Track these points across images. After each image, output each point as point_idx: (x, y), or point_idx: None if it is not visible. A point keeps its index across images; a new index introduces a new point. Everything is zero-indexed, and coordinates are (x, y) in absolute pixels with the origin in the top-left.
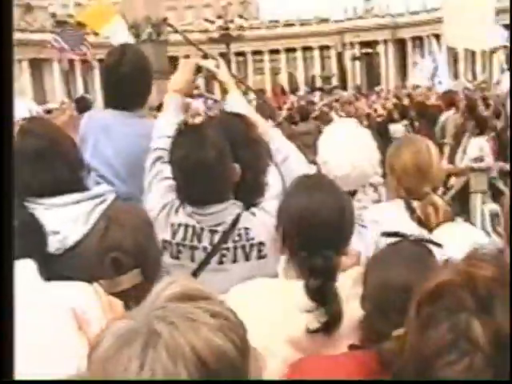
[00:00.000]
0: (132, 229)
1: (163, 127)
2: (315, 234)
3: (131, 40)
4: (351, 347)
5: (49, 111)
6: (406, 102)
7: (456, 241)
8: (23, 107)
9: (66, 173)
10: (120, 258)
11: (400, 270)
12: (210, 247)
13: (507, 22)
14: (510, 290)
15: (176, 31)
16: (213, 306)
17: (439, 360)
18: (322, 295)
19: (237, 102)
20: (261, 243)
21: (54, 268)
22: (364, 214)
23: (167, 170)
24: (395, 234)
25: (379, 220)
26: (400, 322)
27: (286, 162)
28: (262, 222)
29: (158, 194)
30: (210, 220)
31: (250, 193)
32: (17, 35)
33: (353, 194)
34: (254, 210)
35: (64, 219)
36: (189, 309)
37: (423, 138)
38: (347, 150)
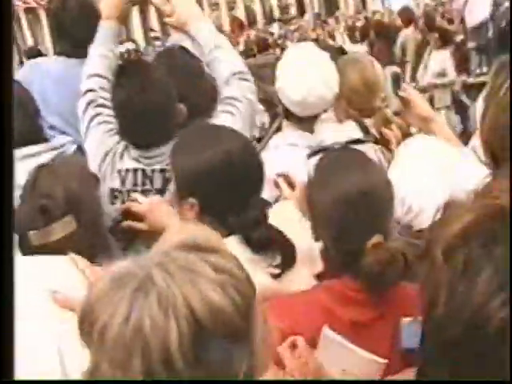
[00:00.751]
0: (63, 176)
1: (94, 64)
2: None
3: None
4: (319, 277)
5: None
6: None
7: (421, 156)
8: None
9: (26, 122)
10: (48, 204)
11: (347, 180)
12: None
13: None
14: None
15: None
16: (219, 260)
17: (493, 301)
18: (265, 241)
19: (204, 28)
20: None
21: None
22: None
23: (102, 114)
24: (319, 151)
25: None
26: (369, 231)
27: (215, 58)
28: None
29: (96, 141)
30: (158, 162)
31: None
32: None
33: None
34: None
35: (24, 173)
36: (191, 259)
37: (365, 54)
38: (303, 73)
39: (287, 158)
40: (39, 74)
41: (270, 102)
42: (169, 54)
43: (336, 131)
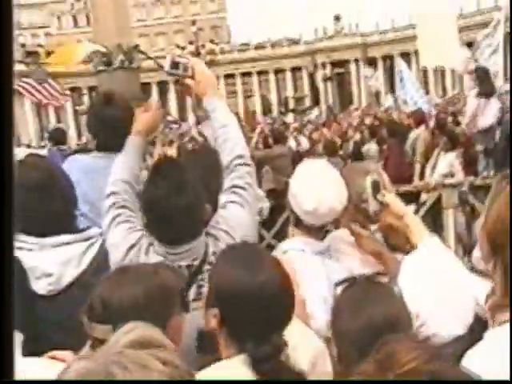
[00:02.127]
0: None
1: (119, 171)
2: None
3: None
4: None
5: None
6: (376, 121)
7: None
8: None
9: (62, 208)
10: (95, 303)
11: (373, 310)
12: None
13: (469, 39)
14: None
15: (148, 57)
16: (165, 354)
17: None
18: (271, 375)
19: (218, 106)
20: None
21: (46, 310)
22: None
23: (123, 214)
24: (346, 280)
25: (343, 249)
26: None
27: (225, 136)
28: (227, 243)
29: (119, 237)
30: (185, 257)
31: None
32: None
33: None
34: (213, 232)
35: (56, 260)
36: (143, 355)
37: (371, 164)
38: (316, 186)
39: (295, 262)
40: (77, 166)
41: (280, 192)
42: (200, 152)
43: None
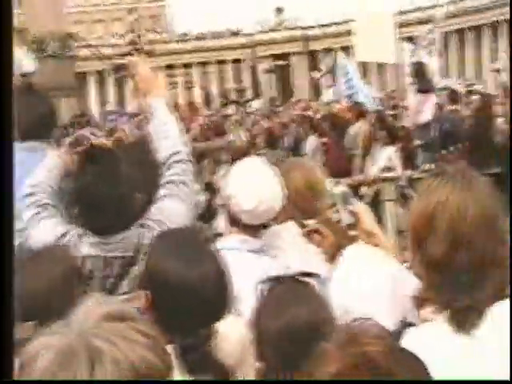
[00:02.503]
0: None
1: (37, 176)
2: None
3: (31, 57)
4: None
5: None
6: (317, 115)
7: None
8: None
9: None
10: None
11: (294, 312)
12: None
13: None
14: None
15: (88, 45)
16: (142, 327)
17: None
18: (197, 366)
19: (160, 105)
20: None
21: None
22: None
23: (47, 211)
24: (270, 279)
25: (280, 245)
26: (303, 363)
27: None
28: None
29: (46, 228)
30: (118, 248)
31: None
32: None
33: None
34: (148, 223)
35: None
36: (123, 329)
37: (308, 159)
38: (254, 185)
39: (228, 261)
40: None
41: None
42: (134, 146)
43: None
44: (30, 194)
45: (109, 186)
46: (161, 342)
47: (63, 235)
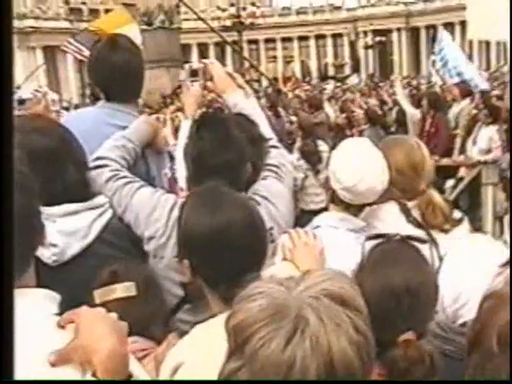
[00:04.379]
0: None
1: (109, 149)
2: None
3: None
4: None
5: (21, 101)
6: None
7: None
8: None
9: (73, 176)
10: (118, 270)
11: (398, 274)
12: None
13: None
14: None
15: (194, 13)
16: (359, 320)
17: None
18: None
19: (239, 100)
20: (271, 228)
21: (48, 282)
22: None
23: (131, 184)
24: (378, 236)
25: (380, 226)
26: (404, 327)
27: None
28: (267, 210)
29: (148, 195)
30: None
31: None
32: (30, 22)
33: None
34: (256, 198)
35: (62, 231)
36: (339, 314)
37: (411, 137)
38: (356, 163)
39: (325, 239)
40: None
41: (313, 152)
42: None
43: (396, 220)
44: (106, 166)
45: (222, 150)
46: (370, 344)
47: (174, 204)
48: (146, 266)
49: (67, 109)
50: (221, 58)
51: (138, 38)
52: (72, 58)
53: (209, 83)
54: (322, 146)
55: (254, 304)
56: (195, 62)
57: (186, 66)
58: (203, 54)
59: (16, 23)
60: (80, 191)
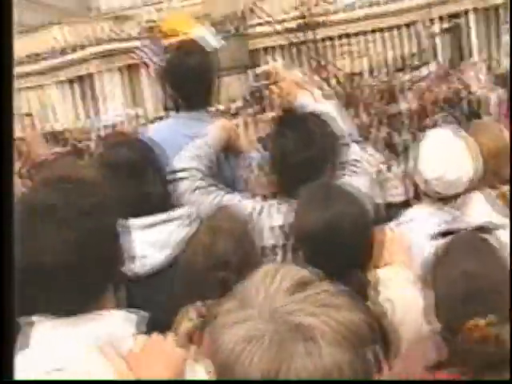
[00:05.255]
0: (238, 240)
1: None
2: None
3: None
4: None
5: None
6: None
7: None
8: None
9: (157, 188)
10: (229, 278)
11: (474, 262)
12: None
13: None
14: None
15: (268, 17)
16: (327, 287)
17: None
18: None
19: (308, 102)
20: None
21: (138, 293)
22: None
23: (216, 192)
24: (448, 233)
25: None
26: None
27: None
28: None
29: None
30: None
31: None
32: (105, 46)
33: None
34: None
35: (150, 241)
36: (315, 296)
37: (492, 121)
38: (440, 155)
39: (416, 233)
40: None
41: (389, 144)
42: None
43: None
44: (193, 171)
45: (306, 149)
46: (352, 295)
47: (261, 210)
48: None
49: (152, 122)
50: (289, 59)
51: (212, 40)
52: (147, 75)
53: (276, 86)
54: (397, 138)
55: (230, 353)
56: (263, 66)
57: (254, 70)
58: (271, 58)
59: (96, 48)
60: (162, 203)
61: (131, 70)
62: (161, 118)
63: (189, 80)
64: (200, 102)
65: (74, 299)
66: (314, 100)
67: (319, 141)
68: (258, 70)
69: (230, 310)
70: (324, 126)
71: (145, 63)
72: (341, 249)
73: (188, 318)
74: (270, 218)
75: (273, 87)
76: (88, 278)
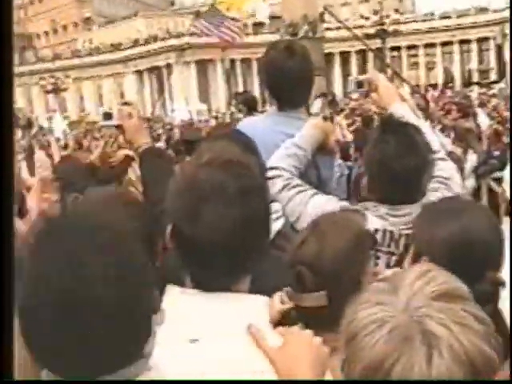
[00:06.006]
0: (332, 246)
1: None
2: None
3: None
4: None
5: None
6: None
7: None
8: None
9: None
10: (304, 274)
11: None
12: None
13: None
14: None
15: (340, 22)
16: (475, 310)
17: None
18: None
19: (405, 112)
20: None
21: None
22: None
23: (304, 193)
24: None
25: None
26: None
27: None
28: None
29: (321, 204)
30: (404, 222)
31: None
32: (186, 39)
33: None
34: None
35: None
36: (457, 311)
37: None
38: None
39: None
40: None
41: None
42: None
43: None
44: (285, 172)
45: (407, 155)
46: (491, 326)
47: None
48: None
49: (216, 118)
50: (362, 65)
51: (265, 10)
52: (221, 71)
53: (374, 95)
54: (472, 155)
55: (374, 337)
56: (369, 73)
57: (352, 77)
58: (345, 63)
59: (174, 41)
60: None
61: (205, 64)
62: (231, 114)
63: (289, 81)
64: (298, 102)
65: (221, 276)
66: (410, 111)
67: (420, 150)
68: (360, 78)
69: (379, 289)
70: (422, 137)
71: (206, 35)
72: (478, 254)
73: (281, 302)
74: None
75: (373, 95)
76: (240, 258)
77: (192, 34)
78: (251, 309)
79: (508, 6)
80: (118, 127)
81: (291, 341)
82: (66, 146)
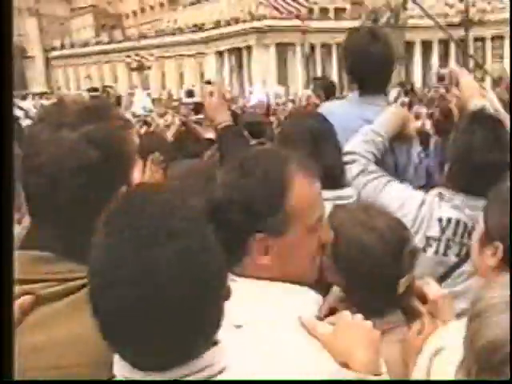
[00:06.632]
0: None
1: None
2: None
3: None
4: None
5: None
6: None
7: None
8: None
9: (334, 158)
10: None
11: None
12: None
13: None
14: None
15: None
16: None
17: None
18: None
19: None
20: None
21: None
22: None
23: (379, 179)
24: None
25: None
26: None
27: None
28: None
29: (397, 192)
30: (477, 214)
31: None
32: (268, 22)
33: None
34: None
35: None
36: None
37: None
38: None
39: None
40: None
41: None
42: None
43: None
44: (360, 158)
45: (494, 150)
46: None
47: (424, 201)
48: None
49: (293, 101)
50: (444, 55)
51: None
52: (300, 55)
53: (454, 89)
54: None
55: (501, 319)
56: (447, 67)
57: (434, 70)
58: (427, 52)
59: (255, 24)
60: (337, 175)
61: (284, 47)
62: (307, 98)
63: (371, 65)
64: (378, 87)
65: None
66: (493, 107)
67: (505, 145)
68: (442, 71)
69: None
70: (506, 133)
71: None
72: None
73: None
74: (439, 209)
75: (454, 89)
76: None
77: (274, 18)
78: (300, 301)
79: None
80: (198, 105)
81: (344, 325)
82: (146, 123)
